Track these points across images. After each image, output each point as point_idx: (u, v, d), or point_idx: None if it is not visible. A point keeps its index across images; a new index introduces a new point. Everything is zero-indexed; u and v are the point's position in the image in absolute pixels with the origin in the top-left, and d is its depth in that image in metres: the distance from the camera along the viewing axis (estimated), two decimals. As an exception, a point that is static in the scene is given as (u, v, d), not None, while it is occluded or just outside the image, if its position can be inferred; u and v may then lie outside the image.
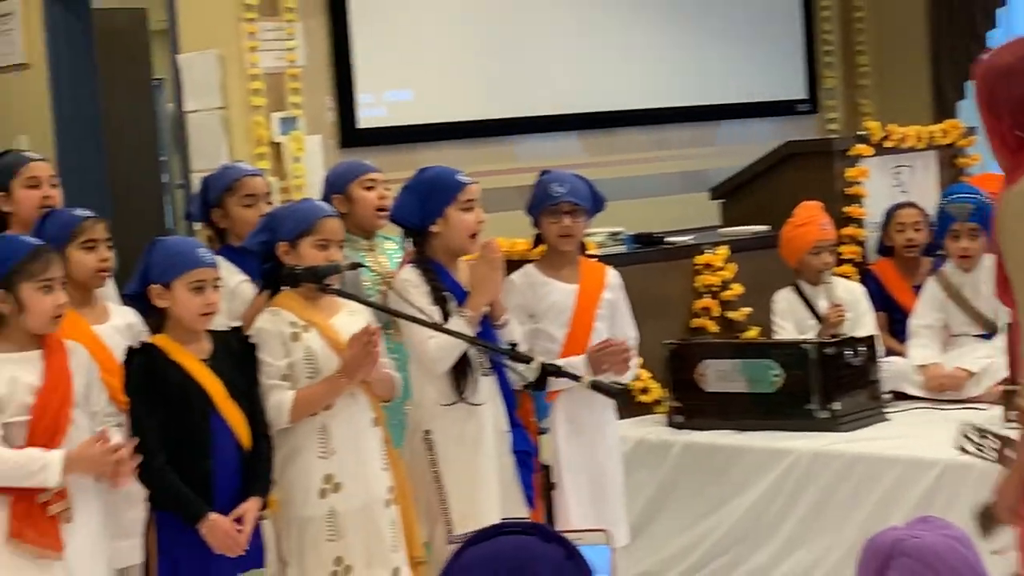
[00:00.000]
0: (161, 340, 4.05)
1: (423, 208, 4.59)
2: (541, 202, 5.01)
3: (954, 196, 6.36)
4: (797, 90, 9.22)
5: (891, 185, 7.02)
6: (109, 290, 4.55)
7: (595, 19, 8.39)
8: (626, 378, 5.04)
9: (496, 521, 4.37)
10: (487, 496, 4.52)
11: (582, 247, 5.12)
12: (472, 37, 7.99)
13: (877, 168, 6.96)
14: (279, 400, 4.15)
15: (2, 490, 3.85)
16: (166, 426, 3.98)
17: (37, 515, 3.85)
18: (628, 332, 5.07)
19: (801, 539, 5.40)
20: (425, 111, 7.76)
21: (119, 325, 4.34)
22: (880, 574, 2.16)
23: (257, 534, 4.10)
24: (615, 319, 5.02)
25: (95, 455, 3.87)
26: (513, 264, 5.20)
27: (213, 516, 3.97)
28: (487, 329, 4.55)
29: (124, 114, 8.98)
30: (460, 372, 4.50)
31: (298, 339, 4.21)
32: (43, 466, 3.82)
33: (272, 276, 4.31)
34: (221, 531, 3.97)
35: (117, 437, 3.99)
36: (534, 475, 4.56)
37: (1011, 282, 3.23)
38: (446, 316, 4.46)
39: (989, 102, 3.27)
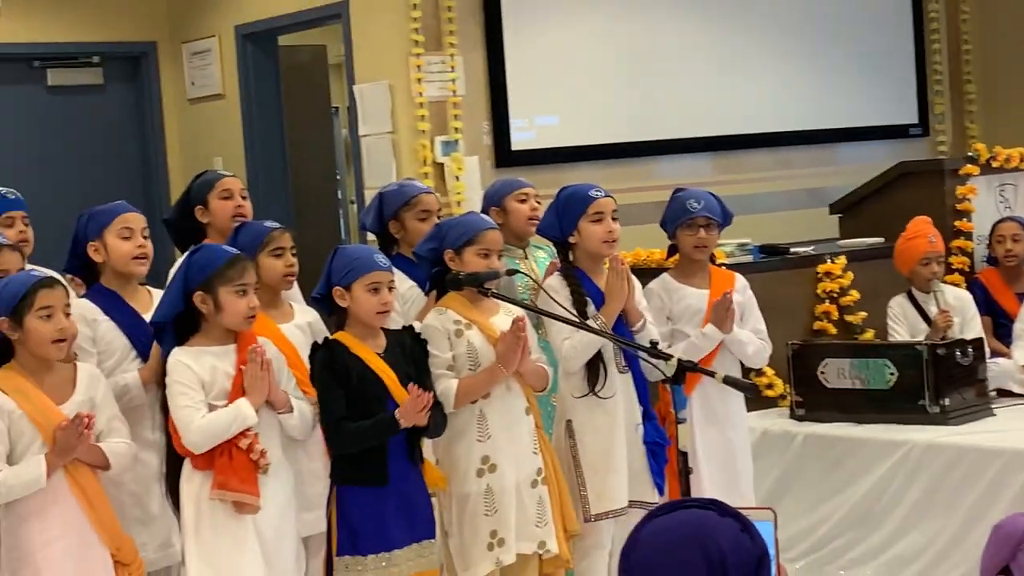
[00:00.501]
0: (343, 336, 4.10)
1: (560, 222, 4.62)
2: (677, 216, 4.99)
3: (1055, 211, 6.30)
4: (909, 115, 9.12)
5: (997, 201, 6.94)
6: (294, 292, 4.62)
7: (725, 51, 8.36)
8: (750, 360, 4.99)
9: (624, 504, 4.41)
10: (617, 481, 4.52)
11: (712, 257, 5.10)
12: (613, 68, 8.00)
13: (984, 186, 6.89)
14: (446, 387, 4.18)
15: (206, 458, 3.94)
16: (348, 410, 4.01)
17: (239, 463, 3.91)
18: (758, 326, 5.04)
19: (913, 523, 5.33)
20: (571, 134, 7.79)
21: (301, 323, 4.41)
22: (1012, 557, 2.11)
23: (429, 507, 4.13)
24: (745, 316, 4.99)
25: (252, 376, 3.93)
26: (650, 272, 5.20)
27: (398, 410, 3.97)
28: (624, 333, 4.55)
29: (305, 138, 9.13)
30: (593, 369, 4.51)
31: (461, 335, 4.24)
32: (237, 411, 3.91)
33: (439, 280, 4.36)
34: (406, 409, 3.96)
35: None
36: (668, 463, 4.56)
37: None
38: (584, 320, 4.46)
39: None
